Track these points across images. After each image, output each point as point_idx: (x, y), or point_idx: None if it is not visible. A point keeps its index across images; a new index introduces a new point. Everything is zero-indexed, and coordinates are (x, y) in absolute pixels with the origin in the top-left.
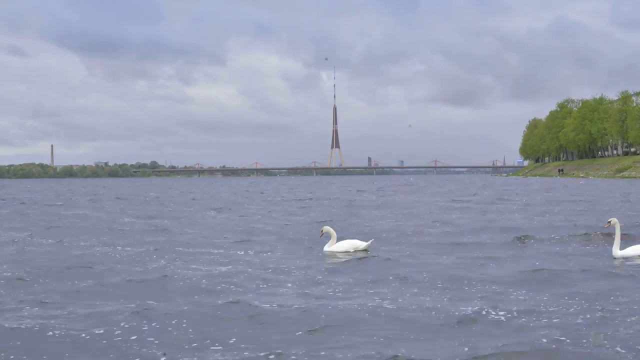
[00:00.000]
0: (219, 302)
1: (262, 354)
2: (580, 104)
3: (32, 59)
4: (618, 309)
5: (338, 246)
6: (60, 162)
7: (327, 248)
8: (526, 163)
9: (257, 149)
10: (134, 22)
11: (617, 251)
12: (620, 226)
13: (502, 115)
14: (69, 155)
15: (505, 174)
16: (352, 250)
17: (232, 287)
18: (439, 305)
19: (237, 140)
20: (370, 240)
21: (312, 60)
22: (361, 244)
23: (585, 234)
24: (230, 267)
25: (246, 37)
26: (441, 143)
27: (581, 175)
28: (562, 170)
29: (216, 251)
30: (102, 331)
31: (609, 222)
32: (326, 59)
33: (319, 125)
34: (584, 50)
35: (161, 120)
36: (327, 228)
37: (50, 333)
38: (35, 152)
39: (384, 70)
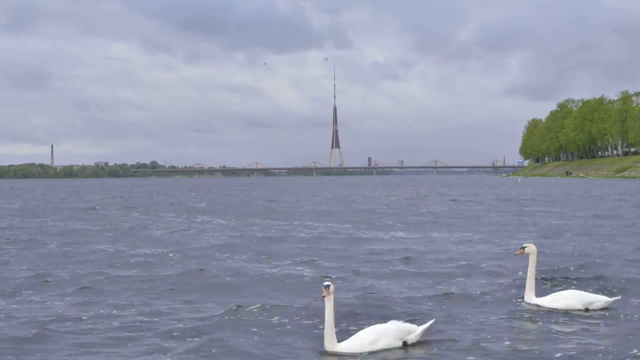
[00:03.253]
0: None
1: None
2: (581, 104)
3: (101, 43)
4: None
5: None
6: (61, 162)
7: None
8: (526, 163)
9: (257, 149)
10: None
11: (531, 296)
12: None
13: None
14: (93, 154)
15: (506, 174)
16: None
17: None
18: None
19: (238, 139)
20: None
21: (411, 45)
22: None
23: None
24: None
25: (357, 16)
26: (441, 143)
27: (581, 175)
28: (570, 172)
29: None
30: None
31: (522, 248)
32: (326, 59)
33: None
34: None
35: (192, 116)
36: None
37: None
38: (40, 152)
39: (479, 55)
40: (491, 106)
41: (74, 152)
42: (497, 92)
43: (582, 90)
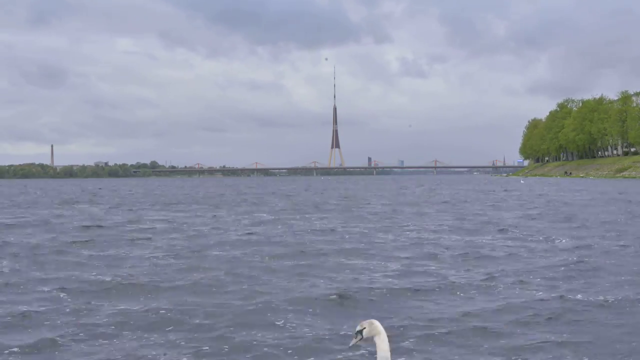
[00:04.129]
0: None
1: None
2: (580, 104)
3: (121, 37)
4: None
5: None
6: (64, 161)
7: None
8: (526, 163)
9: (257, 149)
10: None
11: None
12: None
13: None
14: (104, 153)
15: (506, 174)
16: None
17: None
18: None
19: (249, 138)
20: None
21: (444, 39)
22: None
23: None
24: None
25: (395, 7)
26: (441, 143)
27: (581, 175)
28: (569, 173)
29: None
30: None
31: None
32: (326, 59)
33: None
34: None
35: (205, 115)
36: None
37: None
38: (47, 152)
39: (511, 50)
40: (510, 105)
41: (82, 151)
42: (520, 90)
43: (611, 88)
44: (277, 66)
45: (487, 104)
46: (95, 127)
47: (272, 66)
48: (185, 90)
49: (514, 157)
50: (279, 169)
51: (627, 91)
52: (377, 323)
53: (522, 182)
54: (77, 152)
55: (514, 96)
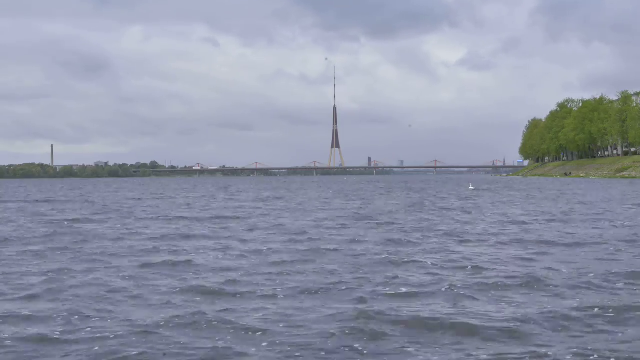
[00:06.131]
0: None
1: None
2: (580, 104)
3: (174, 27)
4: None
5: None
6: (61, 161)
7: None
8: (526, 163)
9: (258, 148)
10: None
11: None
12: None
13: None
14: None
15: (506, 174)
16: None
17: None
18: None
19: (238, 138)
20: None
21: (527, 23)
22: None
23: None
24: None
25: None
26: (441, 143)
27: (581, 175)
28: (569, 172)
29: None
30: None
31: None
32: (326, 58)
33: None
34: None
35: (236, 112)
36: None
37: None
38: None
39: (598, 37)
40: (554, 100)
41: (97, 150)
42: (575, 85)
43: None
44: (332, 57)
45: (529, 100)
46: (119, 124)
47: (327, 57)
48: (219, 85)
49: (514, 157)
50: (279, 168)
51: (627, 91)
52: None
53: (471, 187)
54: (92, 151)
55: (568, 91)
